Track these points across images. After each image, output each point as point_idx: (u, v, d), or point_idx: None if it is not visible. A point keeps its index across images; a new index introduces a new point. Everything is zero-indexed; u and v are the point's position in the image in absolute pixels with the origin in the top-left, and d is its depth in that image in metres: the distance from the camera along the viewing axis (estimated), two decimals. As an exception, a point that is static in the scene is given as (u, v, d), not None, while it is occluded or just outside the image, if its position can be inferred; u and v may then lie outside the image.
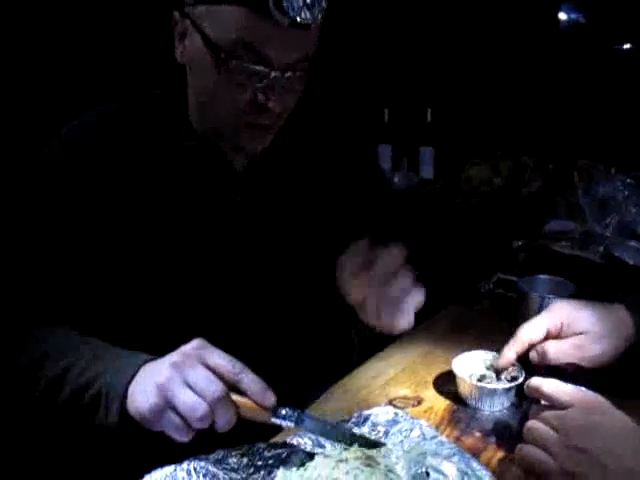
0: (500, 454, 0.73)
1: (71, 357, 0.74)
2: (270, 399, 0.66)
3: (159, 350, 0.75)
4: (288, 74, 0.79)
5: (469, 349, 0.95)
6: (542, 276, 1.09)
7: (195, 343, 0.67)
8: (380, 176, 1.13)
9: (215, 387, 0.63)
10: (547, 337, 0.83)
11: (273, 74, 0.78)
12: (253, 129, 0.83)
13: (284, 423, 0.67)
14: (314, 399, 0.85)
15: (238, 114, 0.81)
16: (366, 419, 0.77)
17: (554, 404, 0.66)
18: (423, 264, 1.11)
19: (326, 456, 0.66)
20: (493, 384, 0.81)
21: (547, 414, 0.65)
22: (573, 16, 2.85)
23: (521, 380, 0.81)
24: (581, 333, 0.81)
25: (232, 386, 0.66)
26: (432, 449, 0.69)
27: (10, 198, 0.87)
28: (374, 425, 0.76)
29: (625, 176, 1.53)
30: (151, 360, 0.70)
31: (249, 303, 0.91)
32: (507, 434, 0.77)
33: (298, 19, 0.74)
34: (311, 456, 0.69)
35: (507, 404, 0.82)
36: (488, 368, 0.85)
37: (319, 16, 0.76)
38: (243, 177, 0.90)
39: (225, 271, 0.90)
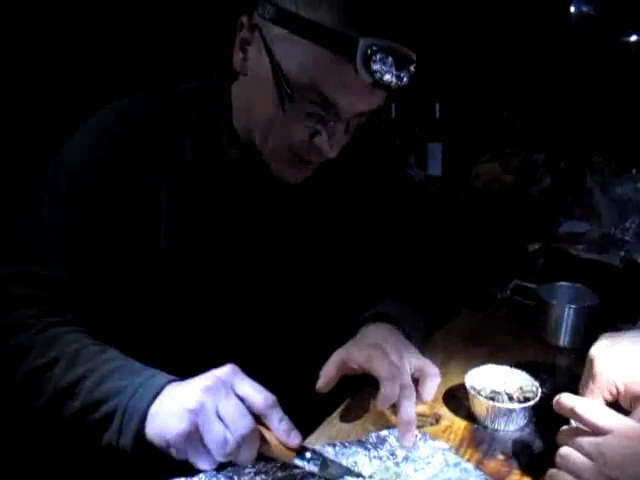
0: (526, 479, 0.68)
1: (85, 367, 0.69)
2: (295, 440, 0.62)
3: (180, 358, 0.74)
4: (353, 122, 0.77)
5: (485, 361, 0.91)
6: (563, 283, 1.05)
7: (228, 369, 0.63)
8: (409, 184, 1.10)
9: (245, 422, 0.59)
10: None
11: (339, 123, 0.75)
12: (299, 163, 0.80)
13: (307, 466, 0.62)
14: (327, 413, 0.81)
15: (289, 147, 0.78)
16: (384, 441, 0.73)
17: (589, 428, 0.62)
18: (438, 267, 1.07)
19: None
20: (509, 404, 0.77)
21: (583, 441, 0.60)
22: (584, 9, 2.80)
23: (537, 399, 0.76)
24: None
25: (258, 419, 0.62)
26: (457, 477, 0.65)
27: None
28: (392, 448, 0.71)
29: (644, 176, 1.48)
30: (174, 381, 0.66)
31: (276, 313, 0.90)
32: (531, 456, 0.73)
33: (383, 81, 0.70)
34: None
35: (522, 423, 0.78)
36: (501, 384, 0.80)
37: (405, 80, 0.73)
38: (282, 192, 0.87)
39: (255, 280, 0.87)
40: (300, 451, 0.62)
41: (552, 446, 0.69)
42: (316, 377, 0.78)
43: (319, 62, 0.70)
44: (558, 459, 0.62)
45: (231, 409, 0.59)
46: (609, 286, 1.11)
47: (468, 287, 1.25)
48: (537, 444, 0.75)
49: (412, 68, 0.73)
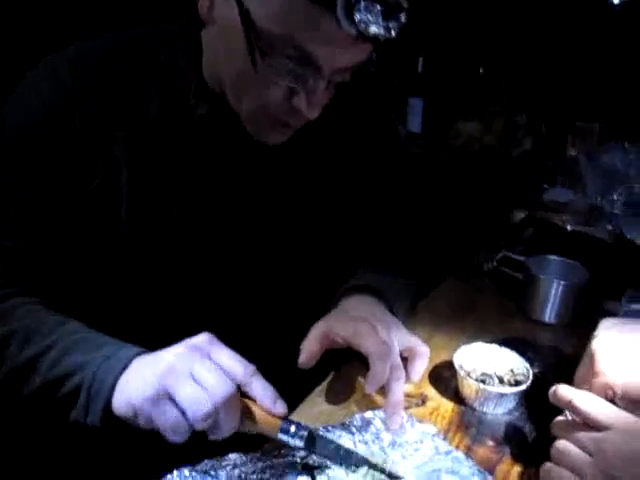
0: (517, 468, 0.66)
1: (45, 341, 0.63)
2: (280, 409, 0.58)
3: (150, 332, 0.68)
4: (335, 79, 0.67)
5: (471, 336, 0.89)
6: (552, 257, 1.01)
7: (203, 337, 0.58)
8: (395, 145, 1.02)
9: (224, 384, 0.55)
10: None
11: (319, 80, 0.66)
12: (277, 125, 0.72)
13: (291, 441, 0.58)
14: (309, 390, 0.77)
15: (264, 107, 0.69)
16: (368, 423, 0.69)
17: (588, 422, 0.59)
18: (420, 233, 1.03)
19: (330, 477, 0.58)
20: (500, 388, 0.73)
21: (581, 435, 0.58)
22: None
23: (529, 384, 0.73)
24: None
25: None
26: (448, 467, 0.62)
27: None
28: (377, 431, 0.68)
29: (634, 146, 1.45)
30: (144, 352, 0.61)
31: (253, 281, 0.84)
32: (521, 442, 0.70)
33: (368, 33, 0.61)
34: (307, 468, 0.61)
35: (512, 406, 0.75)
36: (491, 365, 0.77)
37: (394, 31, 0.62)
38: (257, 151, 0.78)
39: (228, 246, 0.81)
40: (284, 426, 0.58)
41: (543, 432, 0.68)
42: (297, 350, 0.74)
43: (294, 10, 0.61)
44: (555, 453, 0.59)
45: (207, 372, 0.55)
46: (597, 261, 1.08)
47: (451, 254, 1.21)
48: (527, 429, 0.72)
49: (403, 18, 0.63)
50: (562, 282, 0.93)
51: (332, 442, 0.61)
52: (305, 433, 0.58)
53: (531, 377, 0.74)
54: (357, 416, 0.70)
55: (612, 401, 0.63)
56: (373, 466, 0.60)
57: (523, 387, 0.72)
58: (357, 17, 0.59)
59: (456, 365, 0.75)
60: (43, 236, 0.72)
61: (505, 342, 0.82)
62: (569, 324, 0.96)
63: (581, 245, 1.15)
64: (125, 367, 0.59)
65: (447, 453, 0.64)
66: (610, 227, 1.18)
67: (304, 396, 0.76)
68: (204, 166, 0.77)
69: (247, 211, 0.81)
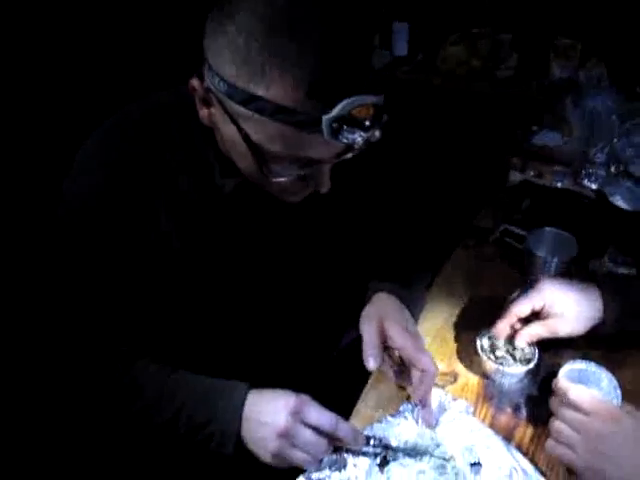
0: (530, 430, 0.88)
1: (175, 403, 0.82)
2: (360, 442, 0.79)
3: (206, 352, 0.90)
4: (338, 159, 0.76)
5: (485, 309, 1.08)
6: (548, 229, 1.18)
7: (292, 403, 0.77)
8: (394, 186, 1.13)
9: (320, 447, 0.77)
10: (532, 312, 0.97)
11: (324, 167, 0.76)
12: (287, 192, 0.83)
13: (371, 450, 0.81)
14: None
15: (281, 190, 0.81)
16: (415, 406, 0.90)
17: (577, 410, 0.80)
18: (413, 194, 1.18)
19: (403, 466, 0.80)
20: (514, 367, 0.94)
21: (571, 418, 0.78)
22: None
23: (536, 361, 0.93)
24: (557, 314, 0.94)
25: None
26: (482, 442, 0.83)
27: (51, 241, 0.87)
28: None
29: (617, 94, 1.55)
30: (248, 393, 0.81)
31: (277, 311, 1.01)
32: (531, 407, 0.92)
33: (356, 144, 0.70)
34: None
35: (524, 379, 0.96)
36: (505, 347, 0.97)
37: (378, 134, 0.71)
38: (277, 208, 0.89)
39: (256, 284, 0.97)
40: (366, 441, 0.80)
41: (545, 397, 0.88)
42: (316, 356, 0.95)
43: (288, 137, 0.69)
44: (552, 432, 0.81)
45: (306, 441, 0.76)
46: (582, 219, 1.26)
47: (455, 222, 1.37)
48: (534, 395, 0.94)
49: (384, 118, 0.72)
50: (555, 259, 1.12)
51: (397, 449, 0.83)
52: (380, 443, 0.81)
53: (537, 355, 0.94)
54: (405, 403, 0.91)
55: None
56: (434, 455, 0.82)
57: (531, 365, 0.93)
58: (342, 138, 0.69)
59: (478, 349, 0.96)
60: (126, 302, 0.87)
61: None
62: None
63: (569, 204, 1.32)
64: (242, 408, 0.79)
65: (479, 430, 0.85)
66: (594, 186, 1.34)
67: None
68: (234, 226, 0.91)
69: (268, 255, 0.96)
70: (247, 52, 0.65)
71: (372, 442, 0.80)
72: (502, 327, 0.96)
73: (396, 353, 0.92)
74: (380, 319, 0.91)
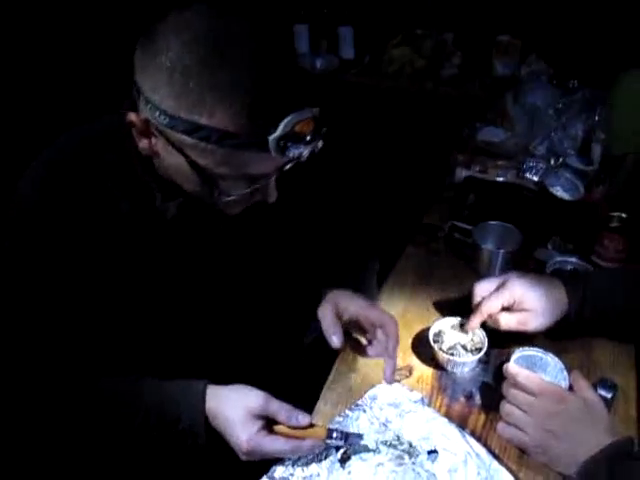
0: (482, 417, 0.92)
1: (142, 408, 0.84)
2: (304, 420, 0.82)
3: (168, 358, 0.92)
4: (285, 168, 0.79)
5: (437, 302, 1.13)
6: (493, 223, 1.23)
7: (246, 442, 0.79)
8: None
9: (285, 453, 0.82)
10: (502, 308, 0.99)
11: (271, 180, 0.79)
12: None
13: (334, 442, 0.83)
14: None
15: (229, 206, 0.82)
16: (374, 399, 0.93)
17: (525, 391, 0.85)
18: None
19: (363, 460, 0.82)
20: (465, 357, 0.98)
21: (520, 400, 0.84)
22: None
23: (485, 349, 0.98)
24: (527, 309, 0.97)
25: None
26: (438, 431, 0.87)
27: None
28: (381, 407, 0.92)
29: (555, 89, 1.63)
30: (208, 387, 0.84)
31: (227, 314, 1.02)
32: (483, 394, 0.96)
33: (301, 157, 0.74)
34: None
35: (475, 367, 1.00)
36: (456, 337, 1.01)
37: (320, 144, 0.76)
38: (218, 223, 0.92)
39: (205, 294, 0.98)
40: (329, 435, 0.82)
41: (497, 385, 0.93)
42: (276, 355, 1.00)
43: (235, 159, 0.72)
44: (504, 415, 0.85)
45: (271, 450, 0.80)
46: (525, 211, 1.32)
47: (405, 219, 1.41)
48: (486, 383, 0.98)
49: (324, 130, 0.75)
50: (502, 251, 1.17)
51: (359, 435, 0.85)
52: (343, 436, 0.82)
53: (486, 344, 0.98)
54: (365, 396, 0.94)
55: None
56: (390, 444, 0.84)
57: (481, 354, 0.97)
58: (289, 154, 0.72)
59: (431, 341, 0.99)
60: (76, 322, 0.86)
61: (465, 300, 1.06)
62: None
63: (512, 197, 1.38)
64: (204, 401, 0.82)
65: (434, 420, 0.89)
66: (536, 178, 1.40)
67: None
68: (178, 246, 0.92)
69: (216, 267, 0.98)
70: (184, 84, 0.67)
71: (335, 435, 0.82)
72: (475, 324, 0.99)
73: (357, 325, 0.98)
74: (334, 303, 0.97)
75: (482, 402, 0.95)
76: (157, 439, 0.84)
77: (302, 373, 1.01)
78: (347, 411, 0.92)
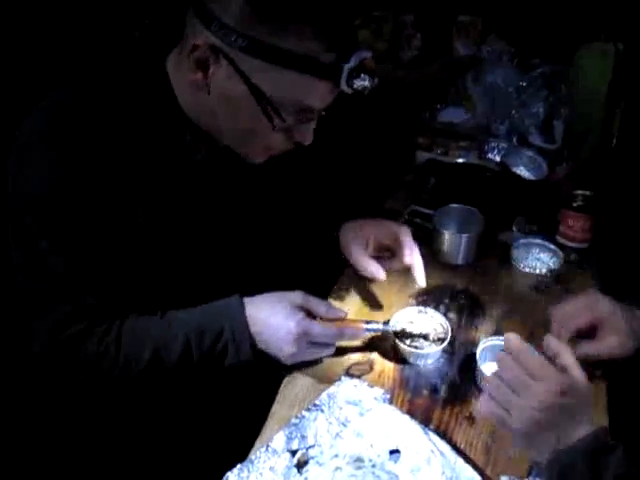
0: (447, 411, 0.87)
1: (180, 334, 0.85)
2: (341, 314, 0.93)
3: (186, 297, 0.91)
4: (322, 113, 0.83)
5: (400, 290, 1.08)
6: (454, 206, 1.18)
7: (297, 298, 0.89)
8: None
9: (331, 337, 0.90)
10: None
11: (314, 119, 0.83)
12: (268, 153, 0.88)
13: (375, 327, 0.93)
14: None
15: (268, 148, 0.87)
16: (332, 398, 0.87)
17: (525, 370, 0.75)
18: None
19: (320, 464, 0.76)
20: (427, 348, 0.93)
21: (515, 378, 0.73)
22: None
23: (448, 339, 0.93)
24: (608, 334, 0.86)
25: None
26: (400, 429, 0.81)
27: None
28: (340, 407, 0.86)
29: (519, 67, 1.58)
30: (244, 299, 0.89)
31: (239, 256, 1.04)
32: (448, 387, 0.91)
33: (363, 90, 0.78)
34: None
35: (439, 359, 0.95)
36: (418, 327, 0.96)
37: (377, 80, 0.79)
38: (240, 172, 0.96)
39: (220, 236, 0.99)
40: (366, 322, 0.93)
41: (462, 376, 0.90)
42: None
43: (302, 86, 0.76)
44: (490, 389, 0.74)
45: (317, 337, 0.88)
46: (487, 192, 1.27)
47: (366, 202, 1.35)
48: (451, 375, 0.93)
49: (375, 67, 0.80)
50: (464, 235, 1.12)
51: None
52: (378, 322, 0.94)
53: (449, 333, 0.93)
54: (324, 394, 0.88)
55: None
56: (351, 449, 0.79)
57: (445, 344, 0.92)
58: (356, 85, 0.77)
59: (392, 335, 0.94)
60: (99, 272, 0.84)
61: (427, 293, 1.06)
62: (474, 262, 1.16)
63: (473, 179, 1.33)
64: (244, 312, 0.86)
65: (397, 418, 0.83)
66: (497, 158, 1.36)
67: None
68: (203, 191, 0.93)
69: (230, 212, 1.00)
70: (267, 7, 0.71)
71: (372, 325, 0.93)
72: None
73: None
74: (355, 238, 1.04)
75: (447, 395, 0.90)
76: (200, 363, 0.85)
77: (255, 377, 0.94)
78: (304, 412, 0.86)
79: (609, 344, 0.86)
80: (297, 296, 0.89)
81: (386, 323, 0.94)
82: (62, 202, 0.79)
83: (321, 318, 0.91)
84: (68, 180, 0.79)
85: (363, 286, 1.11)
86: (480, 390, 0.86)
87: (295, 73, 0.74)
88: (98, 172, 0.80)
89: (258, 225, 1.06)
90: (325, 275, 1.15)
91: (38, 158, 0.79)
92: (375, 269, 1.00)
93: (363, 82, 0.77)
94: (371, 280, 1.07)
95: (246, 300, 0.88)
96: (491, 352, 0.89)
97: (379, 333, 0.95)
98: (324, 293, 1.08)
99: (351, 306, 1.07)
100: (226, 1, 0.73)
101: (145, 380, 0.86)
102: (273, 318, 0.86)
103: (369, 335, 0.97)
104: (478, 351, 0.89)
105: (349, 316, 0.96)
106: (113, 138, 0.81)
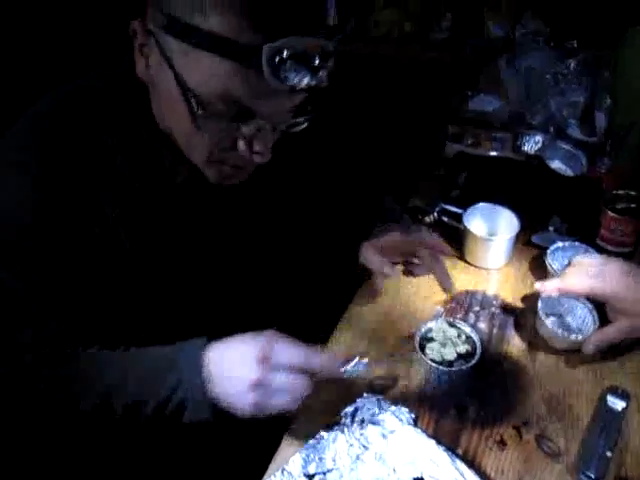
0: (476, 434, 0.81)
1: (134, 381, 0.73)
2: (339, 369, 0.75)
3: (172, 329, 0.80)
4: (278, 123, 0.70)
5: (427, 297, 1.01)
6: (485, 205, 1.11)
7: (260, 348, 0.70)
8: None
9: (299, 386, 0.71)
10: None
11: (261, 128, 0.69)
12: (232, 171, 0.76)
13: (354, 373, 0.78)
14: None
15: (217, 159, 0.74)
16: (353, 416, 0.82)
17: None
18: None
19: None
20: (455, 365, 0.86)
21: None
22: None
23: (478, 357, 0.86)
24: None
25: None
26: (425, 455, 0.76)
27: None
28: (361, 428, 0.81)
29: (556, 50, 1.48)
30: (209, 345, 0.73)
31: (231, 284, 0.94)
32: (478, 406, 0.85)
33: (300, 86, 0.64)
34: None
35: (467, 375, 0.87)
36: (444, 343, 0.89)
37: (325, 78, 0.65)
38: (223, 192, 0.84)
39: (210, 262, 0.90)
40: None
41: (492, 393, 0.84)
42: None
43: (226, 74, 0.64)
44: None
45: (283, 384, 0.70)
46: (521, 190, 1.19)
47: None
48: (480, 392, 0.87)
49: (331, 63, 0.65)
50: (496, 237, 1.04)
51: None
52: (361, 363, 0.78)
53: (479, 351, 0.87)
54: (345, 412, 0.83)
55: None
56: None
57: (474, 361, 0.86)
58: (285, 75, 0.62)
59: (417, 349, 0.88)
60: (73, 294, 0.77)
61: (454, 300, 1.00)
62: (506, 265, 1.09)
63: (507, 174, 1.24)
64: (204, 364, 0.71)
65: (421, 441, 0.78)
66: (532, 151, 1.26)
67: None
68: (185, 215, 0.84)
69: (218, 237, 0.90)
70: None
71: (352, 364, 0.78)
72: (549, 288, 0.90)
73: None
74: (371, 245, 0.96)
75: (476, 415, 0.84)
76: (155, 420, 0.73)
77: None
78: (322, 432, 0.81)
79: (620, 327, 0.85)
80: (259, 344, 0.72)
81: (365, 364, 0.80)
82: (30, 232, 0.73)
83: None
84: (41, 208, 0.73)
85: (386, 294, 1.04)
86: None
87: (215, 57, 0.62)
88: (72, 202, 0.74)
89: (253, 249, 0.96)
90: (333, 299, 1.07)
91: (8, 181, 0.73)
92: (380, 264, 0.93)
93: (297, 75, 0.62)
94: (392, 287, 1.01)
95: (211, 352, 0.72)
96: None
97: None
98: (330, 322, 1.00)
99: (373, 317, 1.01)
100: None
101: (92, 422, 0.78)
102: (232, 371, 0.71)
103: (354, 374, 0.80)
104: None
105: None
106: (89, 163, 0.75)
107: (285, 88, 0.64)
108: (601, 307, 0.90)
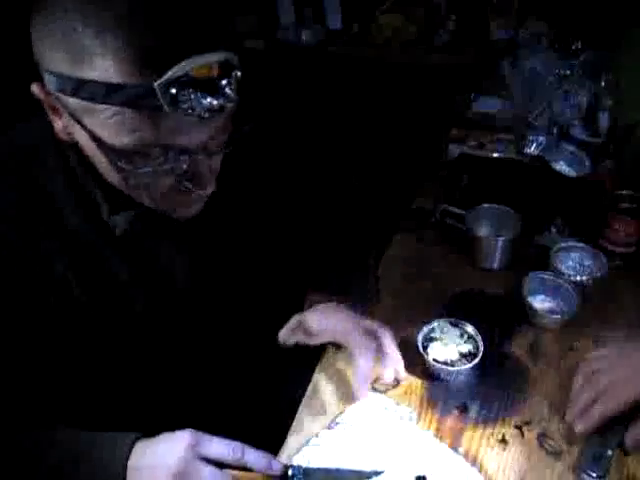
0: (477, 433, 0.81)
1: (53, 464, 0.68)
2: (277, 467, 0.68)
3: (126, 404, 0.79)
4: (211, 149, 0.65)
5: (429, 298, 1.01)
6: (487, 206, 1.11)
7: (187, 439, 0.65)
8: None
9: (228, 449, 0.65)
10: None
11: (193, 160, 0.65)
12: (184, 203, 0.72)
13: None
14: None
15: (163, 200, 0.70)
16: (355, 415, 0.82)
17: None
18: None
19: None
20: (457, 365, 0.86)
21: None
22: None
23: (480, 356, 0.86)
24: None
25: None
26: (427, 453, 0.76)
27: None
28: (363, 427, 0.81)
29: (560, 52, 1.48)
30: (140, 439, 0.67)
31: (186, 330, 0.87)
32: (479, 405, 0.85)
33: (208, 111, 0.59)
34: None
35: (470, 375, 0.88)
36: (447, 342, 0.90)
37: (232, 93, 0.60)
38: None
39: (164, 305, 0.83)
40: (284, 473, 0.69)
41: (493, 392, 0.84)
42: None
43: (132, 122, 0.59)
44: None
45: (206, 477, 0.64)
46: (524, 191, 1.19)
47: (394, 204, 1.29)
48: (482, 392, 0.87)
49: (236, 73, 0.61)
50: (499, 238, 1.04)
51: (323, 469, 0.74)
52: (302, 471, 0.71)
53: (481, 349, 0.87)
54: (348, 411, 0.83)
55: None
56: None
57: (476, 360, 0.86)
58: (185, 106, 0.58)
59: (420, 347, 0.88)
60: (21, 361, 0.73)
61: (458, 299, 1.01)
62: (509, 266, 1.09)
63: (509, 175, 1.24)
64: (128, 457, 0.65)
65: (425, 440, 0.78)
66: (535, 153, 1.27)
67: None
68: (130, 262, 0.78)
69: (173, 283, 0.83)
70: (67, 34, 0.57)
71: (290, 472, 0.71)
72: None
73: None
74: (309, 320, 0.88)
75: (478, 415, 0.83)
76: None
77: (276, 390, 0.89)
78: (325, 430, 0.81)
79: None
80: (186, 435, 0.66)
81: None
82: None
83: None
84: None
85: (388, 295, 1.05)
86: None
87: (113, 107, 0.58)
88: (23, 248, 0.70)
89: (210, 294, 0.87)
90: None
91: None
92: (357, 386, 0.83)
93: (200, 101, 0.58)
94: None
95: (138, 447, 0.67)
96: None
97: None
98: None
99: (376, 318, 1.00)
100: (40, 41, 0.60)
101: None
102: (155, 459, 0.66)
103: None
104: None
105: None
106: (33, 214, 0.71)
107: (192, 118, 0.60)
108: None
